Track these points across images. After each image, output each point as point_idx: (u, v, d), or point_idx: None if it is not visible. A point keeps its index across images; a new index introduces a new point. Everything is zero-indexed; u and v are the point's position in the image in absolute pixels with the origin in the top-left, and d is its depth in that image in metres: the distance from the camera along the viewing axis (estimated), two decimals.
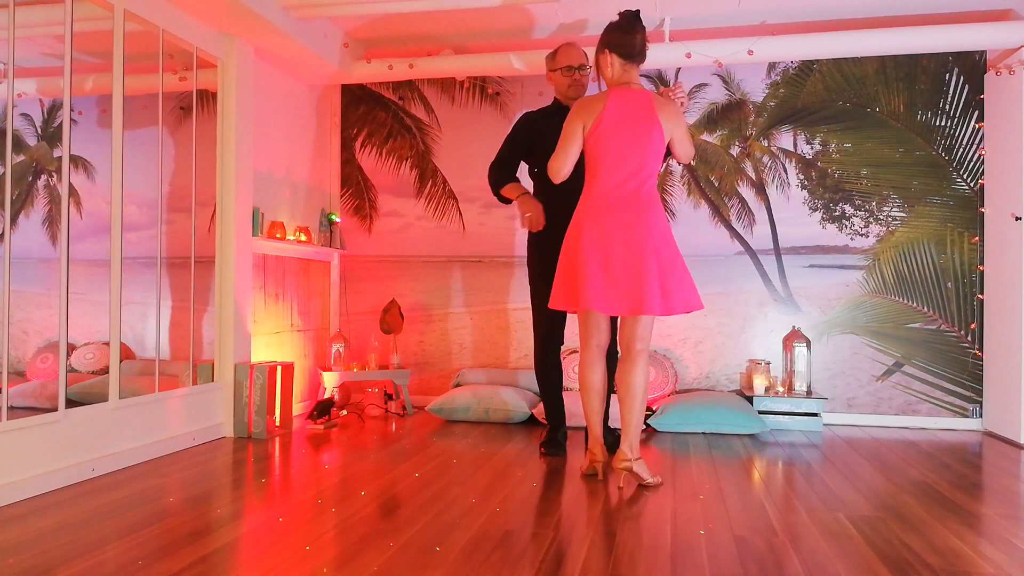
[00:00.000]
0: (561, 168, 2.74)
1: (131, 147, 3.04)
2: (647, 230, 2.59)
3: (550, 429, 3.36)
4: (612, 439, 3.13)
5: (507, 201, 3.34)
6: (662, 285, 2.58)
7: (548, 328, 3.27)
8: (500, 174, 3.31)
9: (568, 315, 3.32)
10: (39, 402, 2.61)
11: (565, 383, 4.18)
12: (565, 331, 3.38)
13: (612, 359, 3.07)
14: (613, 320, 2.94)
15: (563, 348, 4.38)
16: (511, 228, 4.55)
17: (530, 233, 3.30)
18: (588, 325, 2.77)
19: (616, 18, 2.74)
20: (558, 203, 3.13)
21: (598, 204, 2.66)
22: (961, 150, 4.07)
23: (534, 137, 3.26)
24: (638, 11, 2.70)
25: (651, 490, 2.65)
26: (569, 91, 3.24)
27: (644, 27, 2.70)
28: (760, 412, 3.90)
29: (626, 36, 2.68)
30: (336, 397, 4.21)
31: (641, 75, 4.35)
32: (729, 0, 3.74)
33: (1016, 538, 2.16)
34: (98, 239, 2.88)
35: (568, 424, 3.83)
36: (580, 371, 2.80)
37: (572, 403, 3.90)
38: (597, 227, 2.63)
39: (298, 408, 4.16)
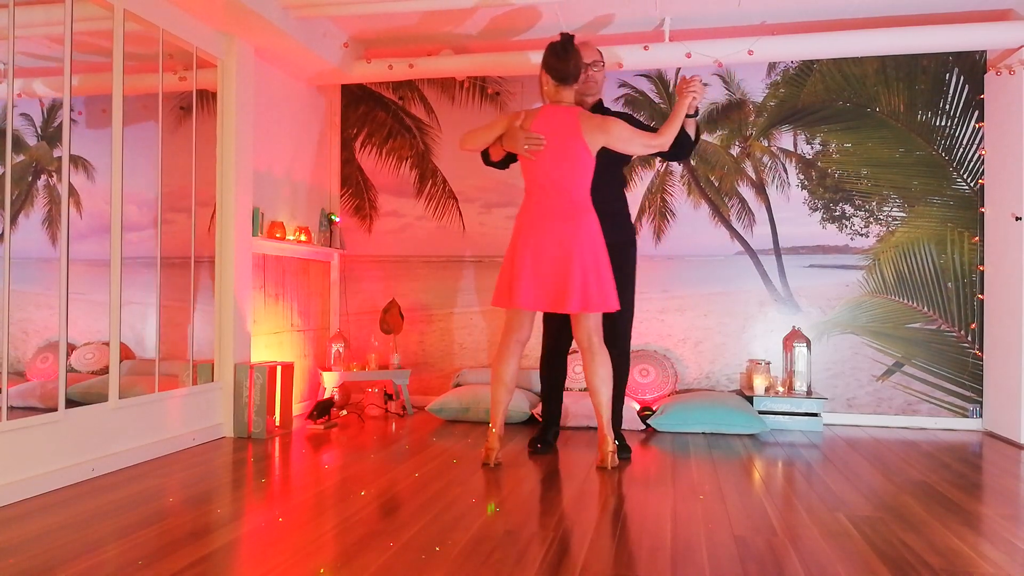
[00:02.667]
0: (466, 142, 3.08)
1: (131, 147, 3.04)
2: (575, 237, 2.88)
3: (542, 427, 3.39)
4: (557, 429, 3.38)
5: (501, 164, 3.21)
6: (583, 286, 2.85)
7: (556, 328, 3.31)
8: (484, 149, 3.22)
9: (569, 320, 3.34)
10: (39, 402, 2.61)
11: (568, 383, 4.19)
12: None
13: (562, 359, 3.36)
14: (565, 322, 3.23)
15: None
16: (511, 228, 4.54)
17: None
18: (512, 321, 3.04)
19: (558, 38, 2.94)
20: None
21: (533, 212, 2.96)
22: (961, 150, 4.07)
23: None
24: (572, 36, 2.92)
25: (651, 489, 2.65)
26: (583, 87, 3.18)
27: (577, 52, 2.93)
28: (760, 412, 3.90)
29: (559, 61, 2.92)
30: (336, 397, 4.20)
31: (640, 75, 4.40)
32: (729, 0, 3.73)
33: (1016, 538, 2.16)
34: (98, 239, 2.88)
35: (568, 424, 3.84)
36: (494, 362, 3.06)
37: (572, 403, 3.91)
38: (533, 234, 2.93)
39: (298, 408, 4.16)
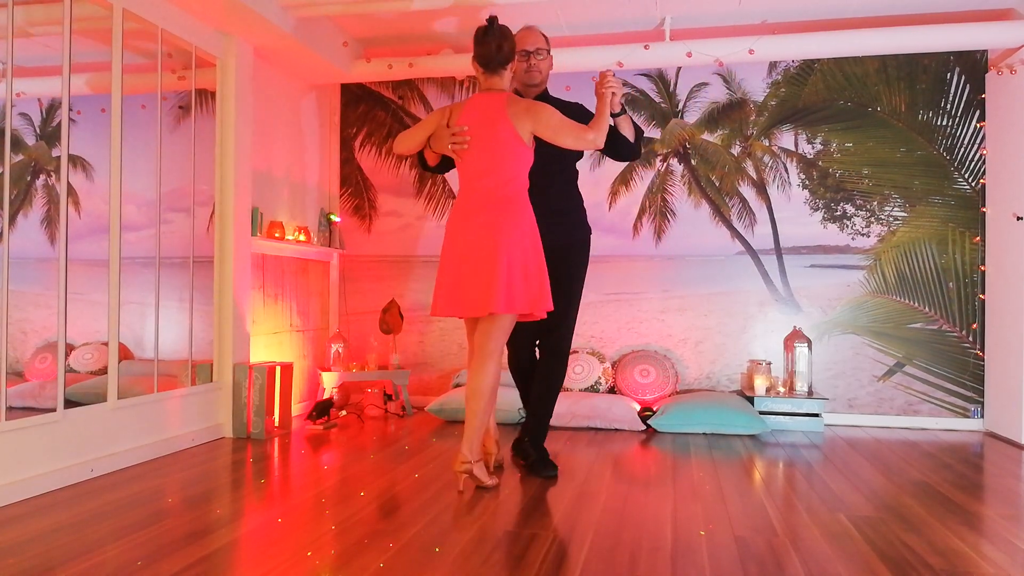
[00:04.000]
0: (399, 145, 2.80)
1: (130, 146, 3.03)
2: (501, 231, 2.59)
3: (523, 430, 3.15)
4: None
5: (439, 169, 2.98)
6: (508, 286, 2.56)
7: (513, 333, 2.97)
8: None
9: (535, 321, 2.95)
10: (38, 402, 2.60)
11: (568, 384, 4.17)
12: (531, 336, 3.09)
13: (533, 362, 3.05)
14: (534, 328, 2.94)
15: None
16: None
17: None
18: (468, 329, 2.78)
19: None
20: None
21: (461, 207, 2.71)
22: (962, 150, 4.06)
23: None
24: (492, 19, 2.66)
25: (651, 489, 2.65)
26: (525, 76, 2.93)
27: (499, 35, 2.66)
28: (761, 412, 3.89)
29: (479, 45, 2.68)
30: (335, 398, 4.20)
31: (641, 74, 4.39)
32: None
33: (1017, 539, 2.16)
34: (97, 239, 2.87)
35: (569, 425, 3.83)
36: (468, 374, 2.70)
37: (573, 403, 3.89)
38: (458, 233, 2.68)
39: (297, 408, 4.16)
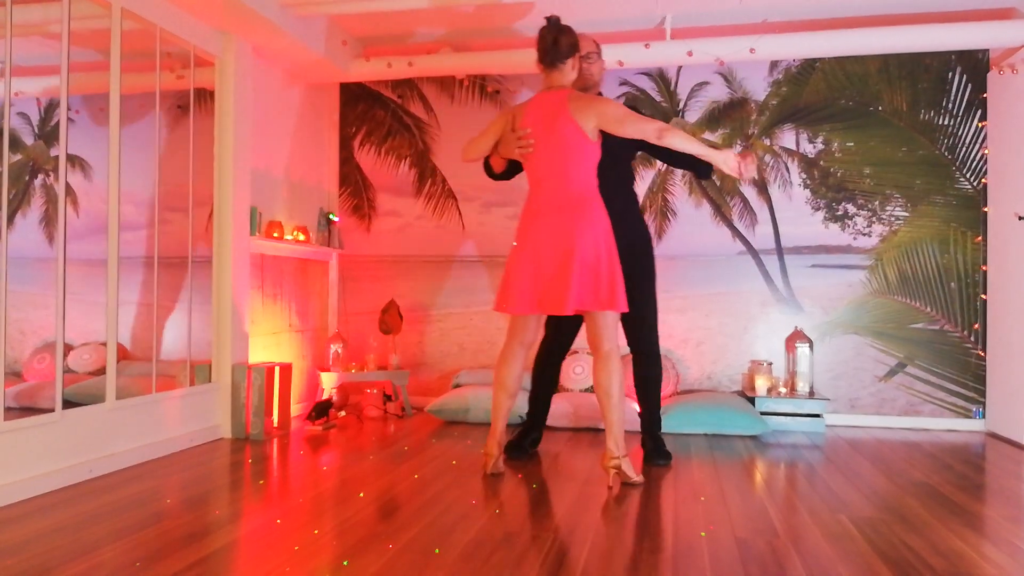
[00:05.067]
0: (467, 152, 2.89)
1: (128, 146, 3.02)
2: (574, 230, 2.64)
3: (521, 431, 3.27)
4: (537, 435, 3.27)
5: (507, 175, 3.09)
6: (581, 284, 2.61)
7: (554, 327, 3.23)
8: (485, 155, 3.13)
9: (578, 320, 3.16)
10: (36, 403, 2.59)
11: (568, 384, 4.17)
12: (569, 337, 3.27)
13: (556, 360, 3.26)
14: (566, 321, 3.12)
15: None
16: (511, 228, 4.52)
17: None
18: (515, 324, 2.87)
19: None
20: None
21: (530, 208, 2.77)
22: (964, 149, 4.05)
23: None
24: (550, 18, 2.73)
25: (637, 488, 2.64)
26: (577, 81, 3.03)
27: (555, 29, 2.71)
28: (762, 413, 3.88)
29: (538, 43, 2.75)
30: (334, 398, 4.19)
31: (642, 73, 4.38)
32: None
33: (1019, 540, 2.15)
34: (95, 239, 2.86)
35: (571, 425, 3.82)
36: (496, 366, 2.88)
37: (579, 403, 3.88)
38: (530, 231, 2.73)
39: (296, 409, 4.15)
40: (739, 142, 4.27)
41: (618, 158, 3.04)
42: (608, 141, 2.81)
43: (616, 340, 2.73)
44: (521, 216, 2.81)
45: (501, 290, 2.79)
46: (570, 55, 2.74)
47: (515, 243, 2.79)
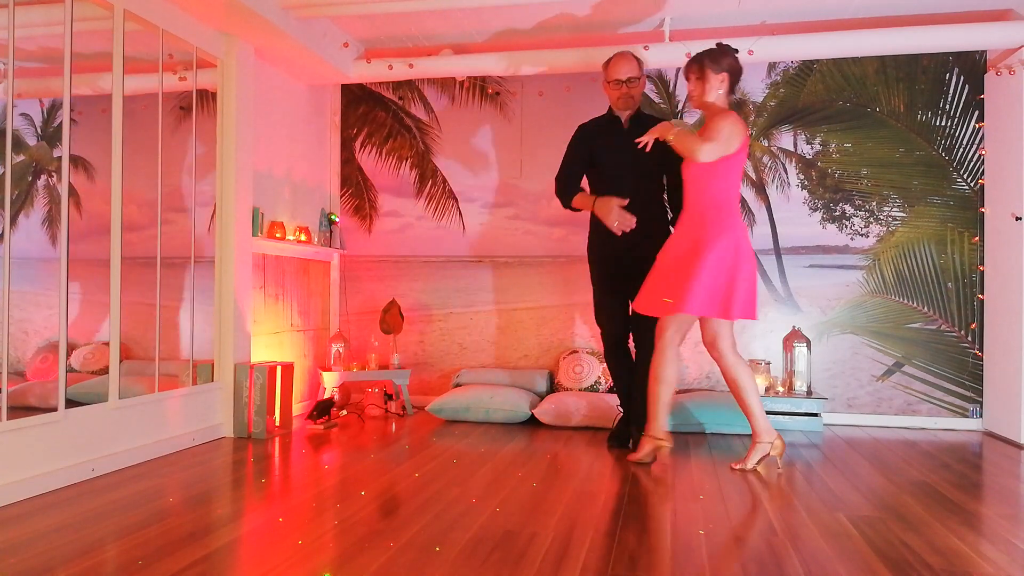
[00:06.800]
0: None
1: (131, 147, 3.04)
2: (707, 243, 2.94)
3: (619, 423, 3.47)
4: (632, 432, 3.32)
5: (578, 210, 3.39)
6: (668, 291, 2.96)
7: (607, 326, 3.39)
8: (567, 187, 3.38)
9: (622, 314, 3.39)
10: (39, 402, 2.61)
11: (569, 383, 4.19)
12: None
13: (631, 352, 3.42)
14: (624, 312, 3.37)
15: (564, 349, 4.39)
16: (511, 228, 4.54)
17: (592, 237, 3.41)
18: (683, 324, 3.04)
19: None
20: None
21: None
22: (961, 150, 4.07)
23: (593, 148, 3.34)
24: (723, 44, 3.08)
25: (651, 489, 2.65)
26: (619, 103, 3.28)
27: (708, 54, 3.04)
28: None
29: (739, 71, 3.19)
30: (336, 397, 4.20)
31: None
32: (729, 0, 3.73)
33: (1016, 538, 2.16)
34: (98, 239, 2.88)
35: (570, 425, 3.84)
36: (654, 364, 3.04)
37: (586, 404, 3.90)
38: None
39: (298, 408, 4.16)
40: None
41: (653, 167, 3.31)
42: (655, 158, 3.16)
43: (671, 337, 3.01)
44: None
45: (669, 293, 3.00)
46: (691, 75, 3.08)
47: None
